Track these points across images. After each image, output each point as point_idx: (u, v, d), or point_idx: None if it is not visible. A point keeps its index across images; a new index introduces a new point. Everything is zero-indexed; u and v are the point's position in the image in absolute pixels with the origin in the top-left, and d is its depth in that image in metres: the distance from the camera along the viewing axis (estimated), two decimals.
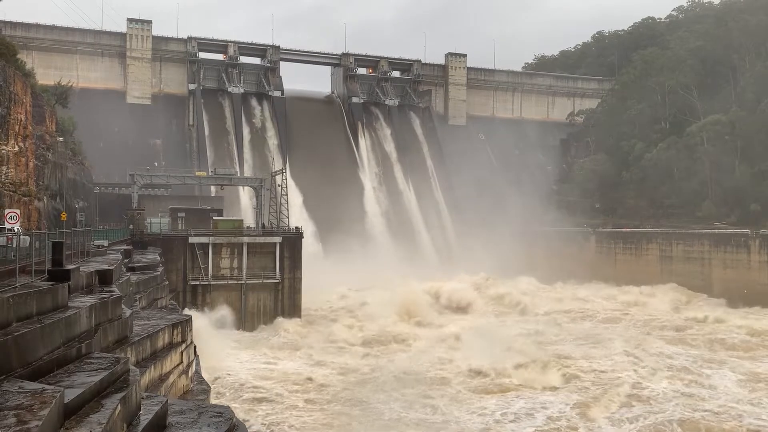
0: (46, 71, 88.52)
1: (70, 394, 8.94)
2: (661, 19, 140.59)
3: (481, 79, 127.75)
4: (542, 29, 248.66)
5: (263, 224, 66.47)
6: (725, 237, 76.35)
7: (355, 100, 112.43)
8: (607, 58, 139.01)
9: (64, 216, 47.69)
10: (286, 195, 71.19)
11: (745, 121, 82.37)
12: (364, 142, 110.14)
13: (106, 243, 38.05)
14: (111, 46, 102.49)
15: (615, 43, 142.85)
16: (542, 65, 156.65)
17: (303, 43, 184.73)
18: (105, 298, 16.13)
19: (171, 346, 20.50)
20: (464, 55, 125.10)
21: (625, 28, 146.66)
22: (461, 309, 67.71)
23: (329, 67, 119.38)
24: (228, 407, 11.28)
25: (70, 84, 73.85)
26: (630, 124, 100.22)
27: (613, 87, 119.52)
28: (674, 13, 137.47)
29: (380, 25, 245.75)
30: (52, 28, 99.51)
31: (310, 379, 38.76)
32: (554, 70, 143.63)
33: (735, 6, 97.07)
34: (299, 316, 58.12)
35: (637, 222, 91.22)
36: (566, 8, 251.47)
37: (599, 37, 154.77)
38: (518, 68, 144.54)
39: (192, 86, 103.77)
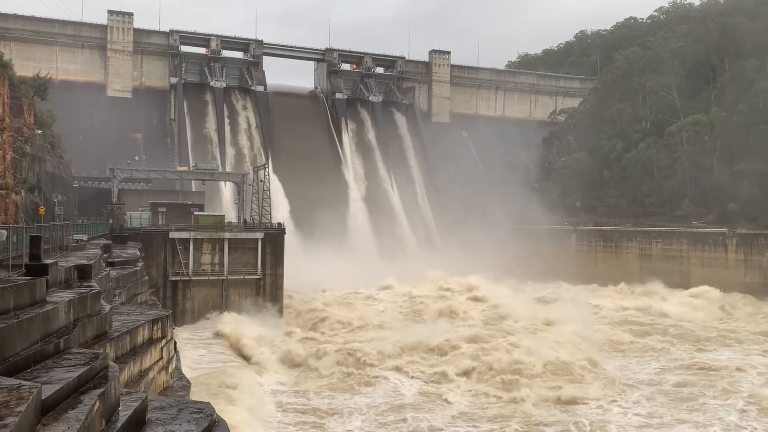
0: (25, 63, 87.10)
1: (48, 390, 8.81)
2: (643, 19, 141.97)
3: (465, 77, 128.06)
4: (526, 28, 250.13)
5: (245, 220, 66.12)
6: (703, 236, 77.42)
7: (338, 95, 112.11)
8: (590, 57, 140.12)
9: (42, 210, 47.03)
10: (269, 191, 70.86)
11: (723, 121, 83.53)
12: (347, 138, 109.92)
13: (85, 237, 37.62)
14: (91, 38, 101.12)
15: (597, 42, 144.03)
16: (525, 64, 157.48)
17: (297, 41, 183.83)
18: (84, 293, 15.93)
19: (151, 342, 20.31)
20: (448, 53, 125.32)
21: (608, 28, 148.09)
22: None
23: (313, 62, 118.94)
24: (209, 403, 11.19)
25: (49, 76, 72.77)
26: (611, 123, 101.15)
27: (595, 86, 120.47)
28: (656, 13, 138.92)
29: (372, 23, 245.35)
30: (31, 18, 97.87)
31: None
32: (537, 68, 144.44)
33: (715, 8, 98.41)
34: (280, 312, 57.95)
35: (618, 220, 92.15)
36: (551, 7, 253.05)
37: (582, 36, 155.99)
38: (502, 66, 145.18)
39: (174, 80, 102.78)
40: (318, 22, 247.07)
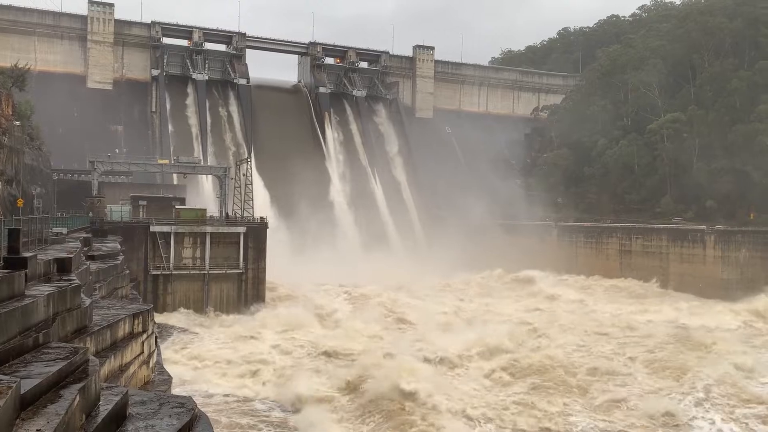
0: (2, 53, 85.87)
1: (27, 385, 8.73)
2: (625, 17, 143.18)
3: (449, 73, 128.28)
4: (510, 24, 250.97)
5: (227, 214, 65.75)
6: (682, 232, 78.40)
7: (322, 89, 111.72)
8: (573, 54, 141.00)
9: (20, 202, 46.38)
10: (251, 184, 70.51)
11: (702, 119, 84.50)
12: (330, 133, 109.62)
13: (64, 231, 37.16)
14: (71, 28, 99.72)
15: (580, 39, 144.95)
16: (509, 60, 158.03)
17: (281, 34, 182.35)
18: (63, 286, 15.77)
19: (132, 336, 20.17)
20: (432, 48, 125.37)
21: (591, 25, 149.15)
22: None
23: (296, 56, 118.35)
24: (190, 398, 11.16)
25: (27, 67, 71.43)
26: (593, 120, 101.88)
27: (578, 83, 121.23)
28: (638, 11, 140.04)
29: (357, 18, 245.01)
30: (9, 8, 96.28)
31: None
32: (520, 65, 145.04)
33: (695, 7, 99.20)
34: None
35: (598, 216, 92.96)
36: (535, 4, 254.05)
37: (565, 33, 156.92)
38: (485, 63, 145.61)
39: (155, 72, 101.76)
40: (302, 16, 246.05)
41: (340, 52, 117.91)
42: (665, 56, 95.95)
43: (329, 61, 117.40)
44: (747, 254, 72.68)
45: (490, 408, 33.34)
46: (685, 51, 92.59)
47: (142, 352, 20.59)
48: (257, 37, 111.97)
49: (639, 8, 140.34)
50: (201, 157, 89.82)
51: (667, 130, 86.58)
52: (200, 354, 41.73)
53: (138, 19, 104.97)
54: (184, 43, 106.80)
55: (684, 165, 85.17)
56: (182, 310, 55.11)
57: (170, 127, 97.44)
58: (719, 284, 72.29)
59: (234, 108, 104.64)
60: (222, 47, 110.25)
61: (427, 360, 40.90)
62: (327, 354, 43.41)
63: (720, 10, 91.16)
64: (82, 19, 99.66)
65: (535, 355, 41.91)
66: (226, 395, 34.94)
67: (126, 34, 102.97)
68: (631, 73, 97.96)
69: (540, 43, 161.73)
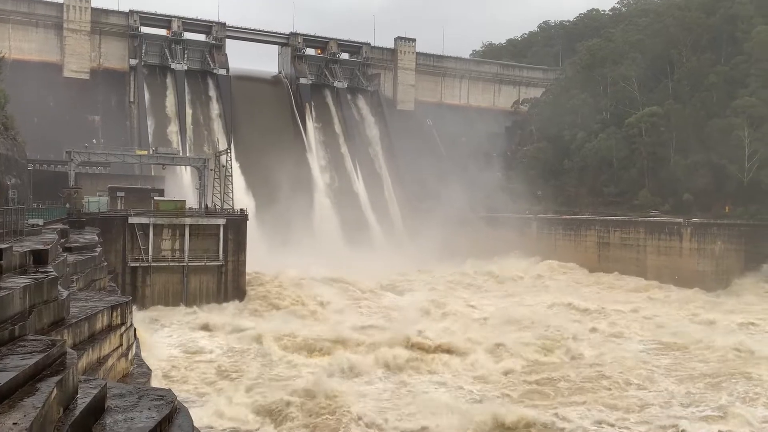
0: None
1: (3, 378, 8.63)
2: (605, 11, 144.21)
3: (430, 65, 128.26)
4: (491, 17, 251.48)
5: (206, 205, 65.23)
6: (659, 225, 79.47)
7: (303, 81, 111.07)
8: (553, 47, 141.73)
9: None
10: (231, 176, 70.02)
11: (679, 113, 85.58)
12: (311, 124, 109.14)
13: (41, 222, 36.62)
14: (47, 16, 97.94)
15: (560, 33, 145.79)
16: (490, 53, 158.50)
17: (261, 25, 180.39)
18: (40, 278, 15.56)
19: (110, 329, 19.99)
20: (413, 40, 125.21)
21: (571, 19, 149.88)
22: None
23: (277, 46, 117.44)
24: (170, 390, 11.09)
25: (2, 55, 70.15)
26: (573, 113, 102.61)
27: (558, 77, 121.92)
28: (618, 6, 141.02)
29: (339, 9, 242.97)
30: None
31: None
32: (501, 58, 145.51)
33: (674, 2, 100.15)
34: (242, 300, 57.57)
35: (577, 209, 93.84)
36: None
37: (545, 27, 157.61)
38: (466, 55, 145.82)
39: (133, 61, 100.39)
40: (285, 7, 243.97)
41: (321, 43, 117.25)
42: (644, 51, 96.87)
43: (310, 52, 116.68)
44: (722, 246, 73.98)
45: None
46: (664, 46, 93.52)
47: (121, 344, 20.42)
48: (237, 27, 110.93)
49: (618, 2, 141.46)
50: (180, 148, 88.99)
51: (645, 123, 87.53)
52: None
53: (116, 8, 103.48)
54: (163, 32, 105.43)
55: (661, 158, 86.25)
56: (160, 307, 54.53)
57: (149, 118, 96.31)
58: (695, 276, 73.52)
59: (214, 99, 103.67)
60: (201, 37, 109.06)
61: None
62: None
63: (698, 5, 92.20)
64: (58, 6, 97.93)
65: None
66: None
67: (103, 23, 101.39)
68: (611, 67, 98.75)
69: (521, 37, 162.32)
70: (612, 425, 29.82)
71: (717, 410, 31.51)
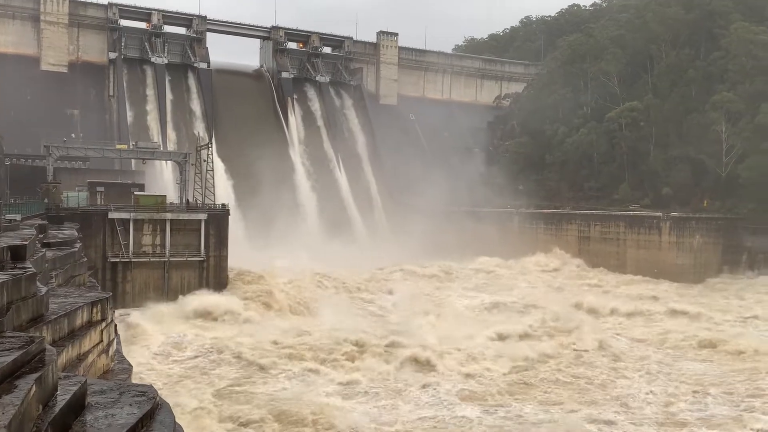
0: None
1: None
2: (586, 6, 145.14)
3: (413, 60, 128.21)
4: (473, 12, 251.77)
5: (187, 200, 64.76)
6: (639, 219, 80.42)
7: (284, 75, 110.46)
8: (534, 42, 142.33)
9: None
10: (212, 171, 69.54)
11: (658, 108, 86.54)
12: (293, 119, 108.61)
13: (18, 217, 36.22)
14: (23, 8, 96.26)
15: (542, 28, 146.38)
16: (472, 48, 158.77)
17: (243, 18, 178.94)
18: (18, 274, 15.37)
19: (90, 325, 19.79)
20: (396, 34, 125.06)
21: (552, 14, 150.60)
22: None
23: (258, 40, 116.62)
24: (151, 386, 11.03)
25: None
26: (554, 108, 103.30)
27: (539, 72, 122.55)
28: (598, 1, 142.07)
29: (321, 3, 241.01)
30: None
31: None
32: (483, 53, 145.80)
33: None
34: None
35: (559, 203, 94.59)
36: None
37: (527, 21, 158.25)
38: (449, 50, 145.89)
39: (113, 55, 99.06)
40: (264, 0, 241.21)
41: (303, 37, 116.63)
42: (624, 46, 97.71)
43: (292, 45, 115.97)
44: (700, 240, 75.06)
45: None
46: (644, 41, 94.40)
47: (101, 340, 20.25)
48: (218, 21, 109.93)
49: None
50: (160, 143, 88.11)
51: (625, 118, 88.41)
52: None
53: (94, 0, 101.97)
54: (143, 25, 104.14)
55: (641, 153, 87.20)
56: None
57: (128, 112, 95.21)
58: (674, 269, 74.57)
59: (194, 92, 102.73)
60: (182, 30, 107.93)
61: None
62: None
63: (677, 1, 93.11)
64: None
65: None
66: None
67: (81, 15, 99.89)
68: (591, 63, 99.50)
69: (503, 32, 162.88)
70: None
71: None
